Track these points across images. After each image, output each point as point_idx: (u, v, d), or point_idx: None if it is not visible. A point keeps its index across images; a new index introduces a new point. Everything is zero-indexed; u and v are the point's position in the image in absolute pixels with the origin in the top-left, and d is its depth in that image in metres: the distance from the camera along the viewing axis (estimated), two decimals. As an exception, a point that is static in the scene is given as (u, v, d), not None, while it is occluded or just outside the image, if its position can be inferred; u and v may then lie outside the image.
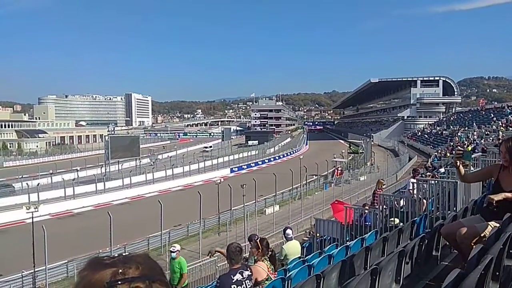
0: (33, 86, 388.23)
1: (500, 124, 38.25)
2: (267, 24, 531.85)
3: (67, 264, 17.78)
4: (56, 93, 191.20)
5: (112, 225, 18.23)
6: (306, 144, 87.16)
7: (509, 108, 49.03)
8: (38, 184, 34.17)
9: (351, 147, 62.32)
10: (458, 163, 3.92)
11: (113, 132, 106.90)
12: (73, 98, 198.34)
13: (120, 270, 0.87)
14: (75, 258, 17.40)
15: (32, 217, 18.58)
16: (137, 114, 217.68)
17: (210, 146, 76.70)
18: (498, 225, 3.71)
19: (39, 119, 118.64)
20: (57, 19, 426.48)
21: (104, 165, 41.85)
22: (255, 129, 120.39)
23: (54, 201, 31.11)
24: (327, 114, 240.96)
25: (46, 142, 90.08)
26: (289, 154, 67.56)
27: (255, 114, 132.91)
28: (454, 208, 6.87)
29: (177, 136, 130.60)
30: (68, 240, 21.01)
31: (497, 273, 2.62)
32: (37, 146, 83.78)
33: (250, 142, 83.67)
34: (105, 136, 65.34)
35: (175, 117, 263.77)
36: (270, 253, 5.75)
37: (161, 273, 0.94)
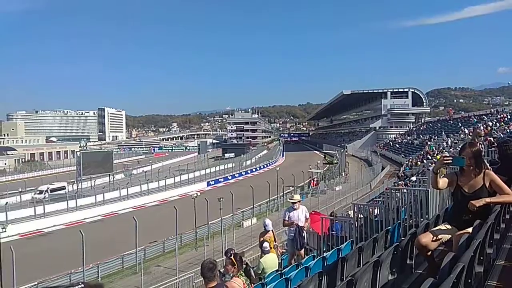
0: (1, 101, 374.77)
1: (467, 132, 39.57)
2: (244, 37, 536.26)
3: (37, 286, 17.02)
4: (26, 109, 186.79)
5: (84, 244, 17.60)
6: (282, 156, 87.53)
7: (476, 117, 50.98)
8: (7, 203, 32.70)
9: (326, 158, 63.13)
10: (439, 172, 3.88)
11: (85, 148, 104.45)
12: (44, 114, 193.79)
13: None
14: (45, 280, 16.70)
15: (0, 238, 17.85)
16: (111, 129, 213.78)
17: (63, 187, 41.07)
18: (450, 227, 3.79)
19: (7, 135, 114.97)
20: (24, 32, 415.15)
21: (76, 182, 40.63)
22: (232, 141, 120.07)
23: (23, 221, 29.87)
24: (302, 126, 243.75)
25: (15, 159, 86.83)
26: (265, 166, 67.67)
27: (231, 127, 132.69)
28: (427, 216, 7.00)
29: (152, 151, 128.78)
30: (38, 261, 20.21)
31: (469, 280, 2.66)
32: (5, 164, 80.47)
33: (226, 155, 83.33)
34: (76, 152, 63.55)
35: (150, 131, 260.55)
36: (244, 266, 5.68)
37: None
